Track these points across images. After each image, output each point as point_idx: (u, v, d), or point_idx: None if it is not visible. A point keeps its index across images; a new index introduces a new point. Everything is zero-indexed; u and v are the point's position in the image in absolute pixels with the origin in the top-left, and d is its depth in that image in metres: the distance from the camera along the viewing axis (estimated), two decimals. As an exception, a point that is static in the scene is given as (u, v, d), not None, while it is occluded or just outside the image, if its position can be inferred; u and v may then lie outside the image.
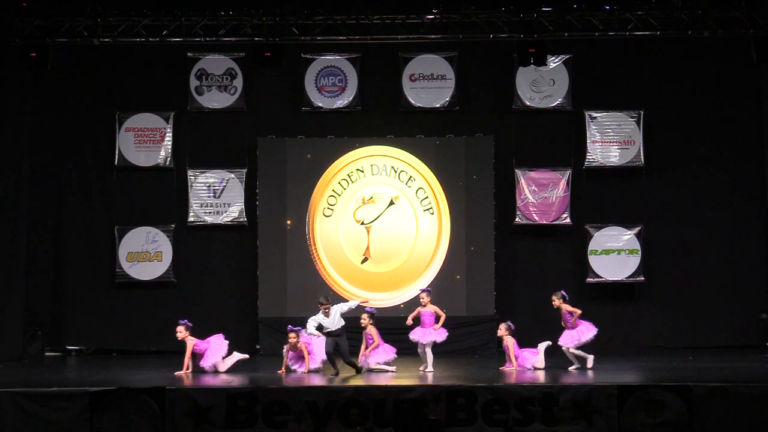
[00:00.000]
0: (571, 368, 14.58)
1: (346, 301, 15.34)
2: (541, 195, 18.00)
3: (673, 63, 18.07)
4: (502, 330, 15.12)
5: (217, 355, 14.69)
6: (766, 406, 12.24)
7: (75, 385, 13.15)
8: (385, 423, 12.29)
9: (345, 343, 14.38)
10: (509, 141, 18.06)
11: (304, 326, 14.53)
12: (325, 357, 14.53)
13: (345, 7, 16.47)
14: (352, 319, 14.83)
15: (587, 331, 14.86)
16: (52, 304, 18.04)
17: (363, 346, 14.75)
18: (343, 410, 12.36)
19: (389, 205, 18.08)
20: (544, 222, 18.03)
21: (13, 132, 17.15)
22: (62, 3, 16.26)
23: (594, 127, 18.06)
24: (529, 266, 18.03)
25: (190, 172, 18.10)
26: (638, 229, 17.92)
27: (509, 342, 14.97)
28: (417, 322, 15.06)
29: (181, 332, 14.72)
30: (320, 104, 18.20)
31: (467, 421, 12.32)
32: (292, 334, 14.58)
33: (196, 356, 14.73)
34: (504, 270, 17.92)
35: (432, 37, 16.83)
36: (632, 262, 17.87)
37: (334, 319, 14.39)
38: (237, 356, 14.88)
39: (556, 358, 15.26)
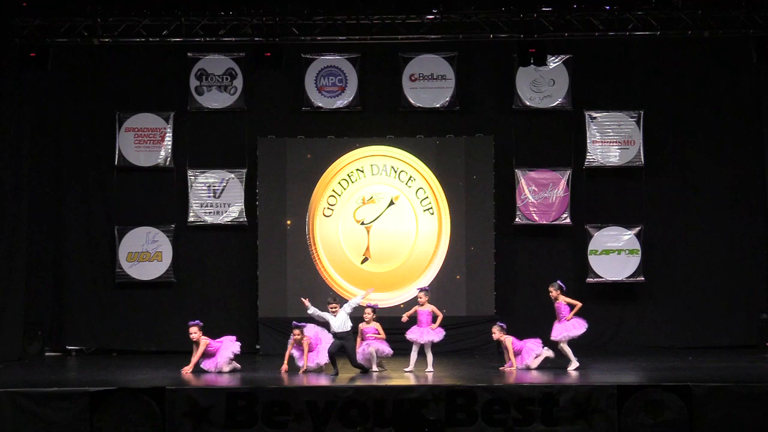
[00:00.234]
0: (569, 368, 14.54)
1: (342, 299, 15.28)
2: (541, 195, 18.00)
3: (673, 63, 18.07)
4: (496, 333, 15.12)
5: (226, 356, 14.69)
6: (766, 406, 12.25)
7: (75, 385, 13.15)
8: (385, 423, 12.30)
9: (352, 347, 14.35)
10: (509, 141, 18.07)
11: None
12: (326, 360, 14.52)
13: (345, 7, 16.47)
14: (353, 319, 14.80)
15: (578, 327, 14.78)
16: (52, 304, 18.04)
17: (359, 339, 14.73)
18: (343, 410, 12.36)
19: (389, 205, 18.08)
20: (544, 222, 18.03)
21: (13, 132, 17.14)
22: (62, 3, 16.27)
23: (594, 127, 18.06)
24: (529, 266, 18.03)
25: (190, 172, 18.10)
26: (638, 229, 17.92)
27: (507, 342, 14.96)
28: (413, 321, 15.01)
29: (196, 333, 14.70)
30: (320, 104, 18.20)
31: (467, 421, 12.32)
32: (296, 330, 14.60)
33: (205, 356, 14.72)
34: (504, 270, 17.92)
35: (432, 37, 16.84)
36: (632, 262, 17.87)
37: (341, 320, 14.37)
38: (235, 364, 14.86)
39: (556, 358, 15.24)
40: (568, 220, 18.00)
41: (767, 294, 17.80)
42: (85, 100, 18.21)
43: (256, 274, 17.92)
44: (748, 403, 12.26)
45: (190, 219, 18.11)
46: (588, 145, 18.04)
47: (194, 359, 14.64)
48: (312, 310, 14.51)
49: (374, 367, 14.60)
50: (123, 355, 17.68)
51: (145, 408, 12.27)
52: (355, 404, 12.38)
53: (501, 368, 14.89)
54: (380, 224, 18.04)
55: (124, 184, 18.16)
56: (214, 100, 18.22)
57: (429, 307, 14.96)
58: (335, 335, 14.36)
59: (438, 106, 18.16)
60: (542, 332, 15.30)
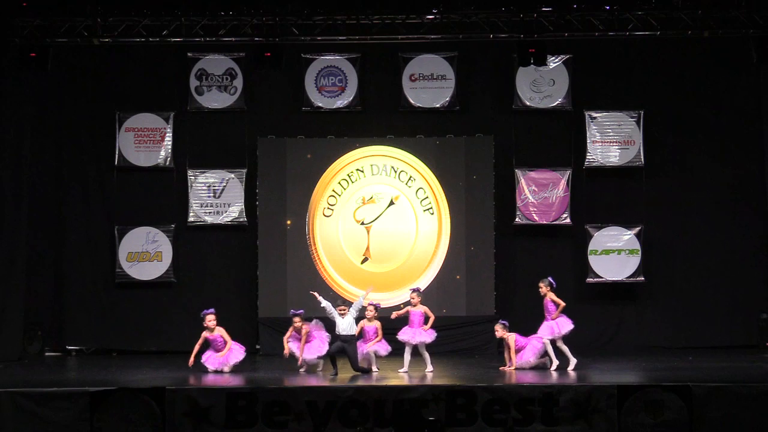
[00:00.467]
0: (569, 367, 14.53)
1: (349, 302, 15.27)
2: (541, 195, 18.00)
3: (673, 63, 18.07)
4: (499, 331, 15.08)
5: (233, 360, 14.75)
6: (766, 406, 12.25)
7: (75, 385, 13.15)
8: (385, 423, 12.30)
9: (354, 351, 14.33)
10: (509, 141, 18.07)
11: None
12: (322, 353, 14.54)
13: (345, 7, 16.48)
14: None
15: (565, 325, 14.74)
16: (52, 304, 18.04)
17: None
18: (343, 410, 12.36)
19: (389, 205, 18.08)
20: (544, 222, 18.03)
21: (13, 132, 17.15)
22: (62, 3, 16.27)
23: (594, 127, 18.06)
24: (529, 266, 18.00)
25: (190, 172, 18.10)
26: (638, 229, 17.92)
27: (510, 339, 14.91)
28: (405, 321, 14.98)
29: (214, 320, 14.75)
30: (320, 104, 18.20)
31: (467, 421, 12.33)
32: (297, 318, 14.66)
33: (213, 348, 14.70)
34: (504, 270, 17.92)
35: (432, 37, 16.85)
36: (632, 262, 17.87)
37: (347, 323, 14.37)
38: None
39: (556, 359, 15.24)
40: (568, 220, 18.00)
41: (767, 294, 17.80)
42: (85, 100, 18.21)
43: (256, 274, 17.92)
44: (748, 403, 12.26)
45: (190, 219, 18.11)
46: (588, 145, 18.04)
47: (197, 348, 14.66)
48: (324, 304, 14.55)
49: (374, 367, 14.61)
50: (123, 355, 17.68)
51: (145, 408, 12.28)
52: (355, 404, 12.39)
53: (501, 368, 14.88)
54: (380, 224, 18.04)
55: (124, 184, 18.16)
56: (214, 100, 18.21)
57: (421, 308, 14.92)
58: (339, 337, 14.36)
59: (438, 106, 18.16)
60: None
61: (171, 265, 18.05)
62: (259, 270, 17.90)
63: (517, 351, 14.89)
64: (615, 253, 17.92)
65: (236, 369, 14.80)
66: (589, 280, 17.92)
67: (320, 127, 18.16)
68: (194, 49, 17.98)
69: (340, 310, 14.47)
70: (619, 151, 18.05)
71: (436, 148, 18.08)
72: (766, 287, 17.83)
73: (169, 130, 18.18)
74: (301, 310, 14.87)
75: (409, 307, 15.00)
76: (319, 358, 14.68)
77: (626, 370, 14.95)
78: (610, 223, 17.98)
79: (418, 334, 14.75)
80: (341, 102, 18.21)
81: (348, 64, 18.17)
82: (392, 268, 17.97)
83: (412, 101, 18.16)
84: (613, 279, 17.91)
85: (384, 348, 14.74)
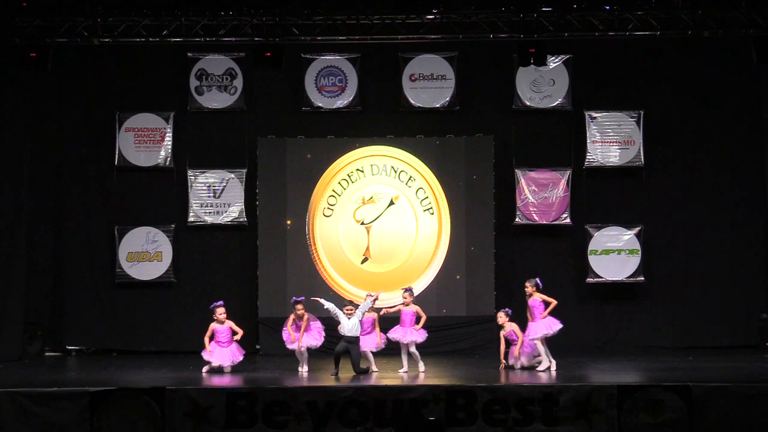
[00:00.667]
0: (539, 369, 14.45)
1: (348, 301, 15.27)
2: (541, 195, 18.00)
3: (673, 63, 18.07)
4: (501, 318, 14.98)
5: (236, 359, 14.76)
6: (766, 406, 12.25)
7: (75, 385, 13.14)
8: (385, 423, 12.29)
9: (357, 353, 14.32)
10: (509, 141, 18.07)
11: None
12: (319, 343, 14.73)
13: (345, 7, 16.47)
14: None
15: (554, 325, 14.68)
16: (52, 304, 18.04)
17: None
18: (343, 410, 12.36)
19: (389, 205, 18.08)
20: (544, 222, 18.03)
21: (13, 132, 17.16)
22: (62, 3, 16.26)
23: (594, 127, 18.06)
24: (529, 266, 17.97)
25: (190, 172, 18.11)
26: (638, 229, 17.92)
27: (515, 328, 14.80)
28: (396, 320, 14.96)
29: (224, 313, 14.78)
30: (320, 104, 18.20)
31: (467, 421, 12.32)
32: (299, 306, 14.73)
33: (217, 340, 14.74)
34: (504, 270, 17.91)
35: (432, 37, 16.85)
36: (632, 262, 17.87)
37: (353, 324, 14.37)
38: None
39: (553, 358, 15.24)
40: (568, 220, 18.00)
41: (767, 294, 17.80)
42: (85, 100, 18.21)
43: (256, 274, 17.93)
44: (748, 403, 12.26)
45: (190, 219, 18.11)
46: (588, 145, 18.04)
47: (206, 339, 14.66)
48: (328, 306, 14.59)
49: (374, 367, 14.61)
50: (123, 355, 17.68)
51: (145, 408, 12.27)
52: (355, 404, 12.38)
53: (501, 368, 14.85)
54: (380, 224, 18.04)
55: (124, 184, 18.16)
56: (214, 100, 18.22)
57: (413, 308, 14.90)
58: (344, 338, 14.37)
59: (438, 106, 18.17)
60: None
61: (171, 265, 18.05)
62: (259, 270, 17.91)
63: (510, 343, 14.78)
64: (615, 253, 17.92)
65: (236, 369, 14.79)
66: (589, 280, 17.93)
67: (320, 127, 18.16)
68: (194, 49, 17.98)
69: (347, 311, 14.48)
70: (619, 151, 18.06)
71: (436, 148, 18.08)
72: (766, 287, 17.83)
73: (169, 130, 18.18)
74: (302, 297, 14.99)
75: (401, 306, 14.97)
76: (315, 348, 14.73)
77: (626, 370, 14.96)
78: (610, 223, 17.98)
79: (409, 333, 14.71)
80: (341, 102, 18.21)
81: (348, 64, 18.17)
82: (392, 268, 17.97)
83: (412, 101, 18.16)
84: (613, 279, 17.91)
85: (373, 344, 14.72)
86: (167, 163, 18.17)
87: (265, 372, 15.16)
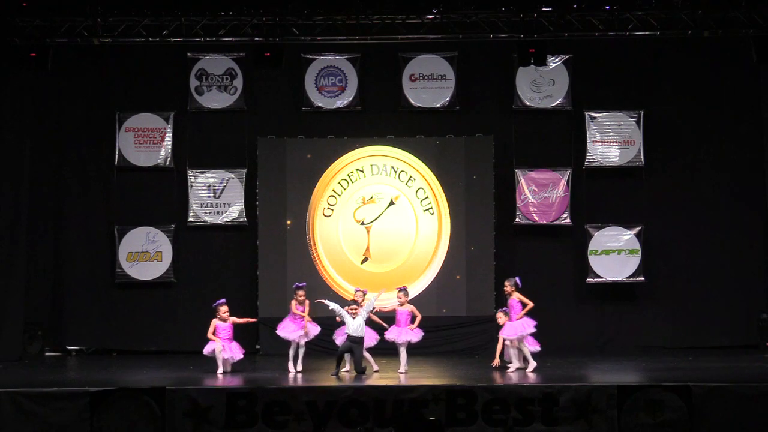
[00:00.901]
0: (509, 370, 14.40)
1: (351, 300, 15.27)
2: (541, 195, 18.00)
3: (673, 63, 18.06)
4: (501, 317, 14.87)
5: (230, 355, 14.71)
6: (766, 406, 12.24)
7: (75, 385, 13.14)
8: (385, 423, 12.29)
9: (360, 353, 14.29)
10: (509, 141, 18.07)
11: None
12: (318, 331, 14.81)
13: (345, 7, 16.46)
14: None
15: (528, 326, 14.58)
16: (52, 304, 18.04)
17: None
18: (343, 410, 12.36)
19: (389, 205, 18.08)
20: (544, 222, 18.03)
21: (13, 132, 17.16)
22: (62, 3, 16.26)
23: (594, 127, 18.06)
24: (529, 266, 17.99)
25: (190, 172, 18.11)
26: (638, 229, 17.92)
27: (516, 299, 14.64)
28: (392, 320, 14.95)
29: (227, 311, 14.80)
30: (320, 104, 18.21)
31: (467, 421, 12.32)
32: (300, 291, 14.80)
33: (221, 335, 14.72)
34: (504, 270, 17.85)
35: (432, 37, 16.84)
36: (632, 262, 17.87)
37: (357, 324, 14.36)
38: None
39: (553, 358, 15.26)
40: (568, 220, 18.00)
41: (767, 294, 17.79)
42: (85, 100, 18.21)
43: (256, 274, 17.93)
44: (748, 403, 12.26)
45: (190, 219, 18.12)
46: (588, 145, 18.04)
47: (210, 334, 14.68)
48: (333, 306, 14.56)
49: (374, 367, 14.61)
50: (123, 355, 17.68)
51: (145, 408, 12.27)
52: (355, 404, 12.38)
53: (494, 364, 14.77)
54: (380, 224, 18.04)
55: (124, 184, 18.16)
56: (214, 100, 18.22)
57: (408, 308, 14.87)
58: (349, 337, 14.36)
59: (438, 106, 18.17)
60: (542, 332, 15.24)
61: (171, 265, 18.06)
62: (259, 270, 17.91)
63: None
64: (615, 253, 17.92)
65: (236, 369, 14.79)
66: (589, 280, 17.93)
67: (320, 127, 18.16)
68: (194, 49, 17.98)
69: (352, 310, 14.47)
70: (619, 151, 18.06)
71: (436, 148, 18.08)
72: (766, 287, 17.82)
73: (169, 130, 18.18)
74: (304, 283, 14.99)
75: (395, 306, 14.95)
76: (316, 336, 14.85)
77: (626, 370, 14.96)
78: (610, 223, 17.98)
79: (404, 333, 14.68)
80: (341, 102, 18.21)
81: (348, 64, 18.17)
82: (392, 268, 17.97)
83: (412, 101, 18.16)
84: (613, 279, 17.91)
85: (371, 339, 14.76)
86: (167, 163, 18.17)
87: (265, 372, 15.16)
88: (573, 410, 12.32)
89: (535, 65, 16.78)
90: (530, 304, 14.67)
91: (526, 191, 17.96)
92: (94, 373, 15.25)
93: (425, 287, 17.78)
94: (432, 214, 18.05)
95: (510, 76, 18.09)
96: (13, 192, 17.13)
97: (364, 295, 14.96)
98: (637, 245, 17.88)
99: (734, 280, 17.91)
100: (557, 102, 18.12)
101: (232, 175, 18.12)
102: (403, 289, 15.12)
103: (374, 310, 14.84)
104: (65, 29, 16.50)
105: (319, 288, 17.38)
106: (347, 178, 18.08)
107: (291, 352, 14.85)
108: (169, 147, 18.16)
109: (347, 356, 14.41)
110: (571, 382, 12.93)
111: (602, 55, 18.01)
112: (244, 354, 14.98)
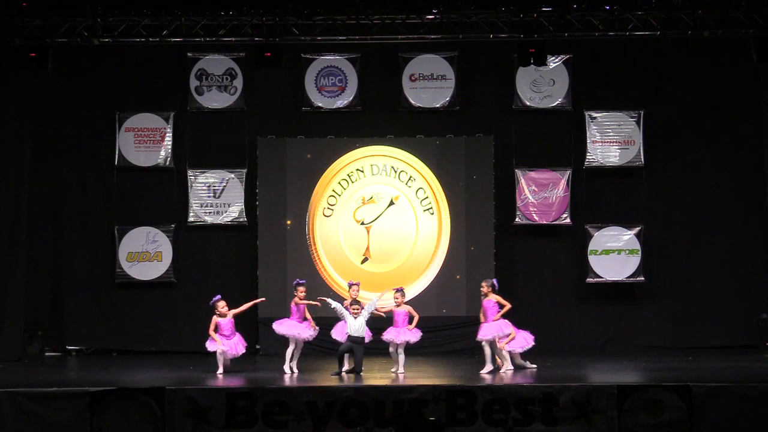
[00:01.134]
0: (483, 371, 14.25)
1: (353, 300, 15.26)
2: (541, 195, 18.00)
3: (673, 63, 18.07)
4: (485, 287, 14.71)
5: (239, 351, 14.72)
6: (766, 406, 12.24)
7: (75, 385, 13.13)
8: (385, 423, 12.29)
9: (361, 353, 14.27)
10: (509, 141, 18.07)
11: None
12: (314, 333, 14.77)
13: (345, 7, 16.46)
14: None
15: (505, 327, 14.50)
16: (52, 304, 18.04)
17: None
18: (342, 410, 12.35)
19: (389, 205, 18.08)
20: (544, 222, 18.03)
21: (13, 132, 17.16)
22: (62, 3, 16.26)
23: (594, 127, 18.07)
24: (529, 266, 18.02)
25: (190, 172, 18.11)
26: (638, 229, 17.92)
27: (493, 300, 14.52)
28: (389, 321, 14.92)
29: (225, 306, 14.77)
30: (320, 104, 18.21)
31: (467, 421, 12.30)
32: (301, 288, 14.76)
33: (222, 332, 14.70)
34: (504, 270, 17.89)
35: (432, 37, 16.84)
36: (632, 262, 17.87)
37: (359, 324, 14.36)
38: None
39: (553, 358, 15.26)
40: (568, 220, 18.00)
41: (767, 294, 17.79)
42: (85, 100, 18.21)
43: (256, 274, 17.93)
44: (748, 403, 12.25)
45: (190, 219, 18.12)
46: (588, 145, 18.04)
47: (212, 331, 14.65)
48: (335, 305, 14.55)
49: (400, 368, 14.53)
50: (123, 355, 17.68)
51: (145, 408, 12.26)
52: (355, 404, 12.37)
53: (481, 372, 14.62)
54: (380, 224, 18.05)
55: (124, 184, 18.16)
56: (214, 100, 18.22)
57: (405, 308, 14.84)
58: (350, 338, 14.36)
59: (438, 106, 18.17)
60: (542, 332, 15.28)
61: (171, 265, 18.06)
62: (259, 270, 17.91)
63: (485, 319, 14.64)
64: (615, 253, 17.92)
65: (236, 369, 14.79)
66: (589, 280, 17.93)
67: (320, 127, 18.17)
68: (194, 49, 17.98)
69: (354, 310, 14.47)
70: (619, 151, 18.06)
71: (436, 148, 18.08)
72: (766, 287, 17.82)
73: (169, 130, 18.18)
74: (304, 280, 14.97)
75: (392, 307, 14.92)
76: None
77: (626, 370, 14.96)
78: (610, 223, 17.98)
79: (402, 333, 14.65)
80: (341, 102, 18.21)
81: (348, 64, 18.18)
82: (392, 268, 17.97)
83: (412, 101, 18.16)
84: (613, 279, 17.91)
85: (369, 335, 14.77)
86: (167, 163, 18.18)
87: (265, 372, 15.16)
88: (573, 410, 12.31)
89: (535, 65, 16.78)
90: (507, 306, 14.59)
91: (526, 191, 17.97)
92: (94, 373, 15.25)
93: (425, 287, 17.79)
94: (432, 214, 18.05)
95: (510, 76, 18.09)
96: (13, 192, 17.12)
97: (358, 287, 14.91)
98: (637, 245, 17.88)
99: (734, 280, 17.91)
100: (557, 102, 18.12)
101: (232, 175, 18.12)
102: (400, 290, 15.10)
103: (374, 309, 14.86)
104: (65, 29, 16.50)
105: (319, 288, 17.38)
106: (347, 178, 18.08)
107: (288, 351, 14.82)
108: (169, 147, 18.16)
109: (347, 356, 14.41)
110: (571, 382, 12.92)
111: (602, 55, 18.01)
112: (246, 348, 14.91)
